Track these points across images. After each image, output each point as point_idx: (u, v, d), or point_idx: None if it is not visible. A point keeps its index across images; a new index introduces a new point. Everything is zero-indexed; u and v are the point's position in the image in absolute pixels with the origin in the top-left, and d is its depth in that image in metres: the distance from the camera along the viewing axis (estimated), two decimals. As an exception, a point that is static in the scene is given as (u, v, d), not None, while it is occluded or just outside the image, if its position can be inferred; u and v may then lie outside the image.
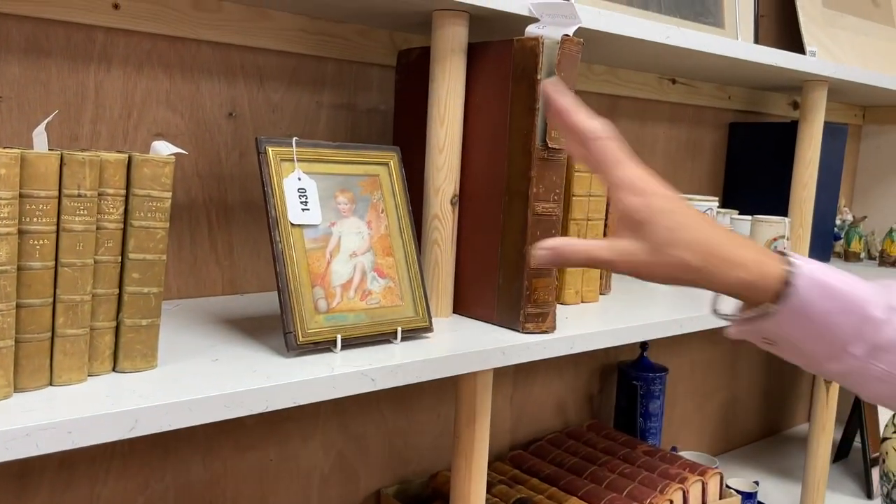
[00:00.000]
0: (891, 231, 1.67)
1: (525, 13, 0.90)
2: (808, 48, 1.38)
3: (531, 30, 0.89)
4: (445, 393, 1.28)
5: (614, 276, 1.34)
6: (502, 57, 0.90)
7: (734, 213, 1.45)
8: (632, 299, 1.16)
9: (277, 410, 1.05)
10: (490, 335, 0.88)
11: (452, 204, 0.93)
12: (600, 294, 1.17)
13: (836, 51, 1.69)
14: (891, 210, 1.99)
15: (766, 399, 1.94)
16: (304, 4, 0.94)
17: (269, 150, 0.76)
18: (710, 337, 1.75)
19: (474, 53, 0.93)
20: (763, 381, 1.92)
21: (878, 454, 1.63)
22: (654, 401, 1.45)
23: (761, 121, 1.77)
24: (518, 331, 0.89)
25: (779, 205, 1.55)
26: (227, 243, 1.01)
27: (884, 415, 1.74)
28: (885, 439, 1.48)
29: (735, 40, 1.24)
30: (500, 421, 1.38)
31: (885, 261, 1.67)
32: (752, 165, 1.68)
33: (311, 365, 0.72)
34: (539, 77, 0.85)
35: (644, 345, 1.49)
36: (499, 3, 0.88)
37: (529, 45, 0.86)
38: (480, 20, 0.94)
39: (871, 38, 1.79)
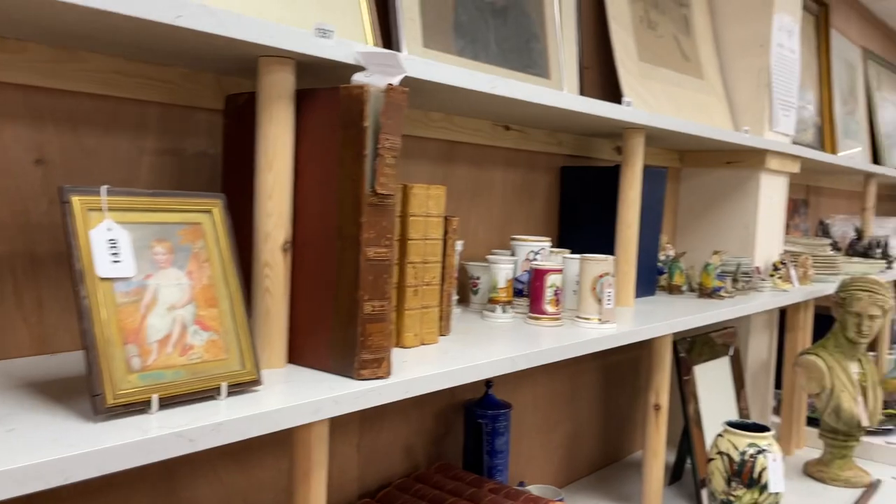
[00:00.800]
0: (706, 265, 1.81)
1: (352, 62, 0.91)
2: (624, 99, 1.49)
3: (358, 78, 0.90)
4: (286, 446, 1.24)
5: (454, 317, 1.36)
6: (330, 104, 0.90)
7: (566, 253, 1.52)
8: (471, 339, 1.18)
9: (97, 479, 0.97)
10: (323, 384, 0.86)
11: (284, 251, 0.91)
12: (440, 335, 1.18)
13: (651, 101, 1.84)
14: (707, 245, 2.17)
15: (605, 429, 2.03)
16: (119, 46, 0.90)
17: (74, 199, 0.71)
18: (551, 371, 1.81)
19: (303, 100, 0.93)
20: (602, 411, 2.01)
21: (705, 475, 1.74)
22: (499, 437, 1.48)
23: (590, 164, 1.88)
24: (352, 378, 0.88)
25: (609, 243, 1.64)
26: (36, 299, 0.93)
27: (710, 437, 1.87)
28: (710, 460, 1.58)
29: (557, 90, 1.32)
30: (346, 469, 1.35)
31: (703, 292, 1.81)
32: (583, 206, 1.78)
33: (122, 429, 0.67)
34: (366, 124, 0.86)
35: (488, 382, 1.52)
36: (325, 51, 0.89)
37: (355, 93, 0.87)
38: (310, 67, 0.94)
39: (682, 89, 1.97)
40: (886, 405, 2.45)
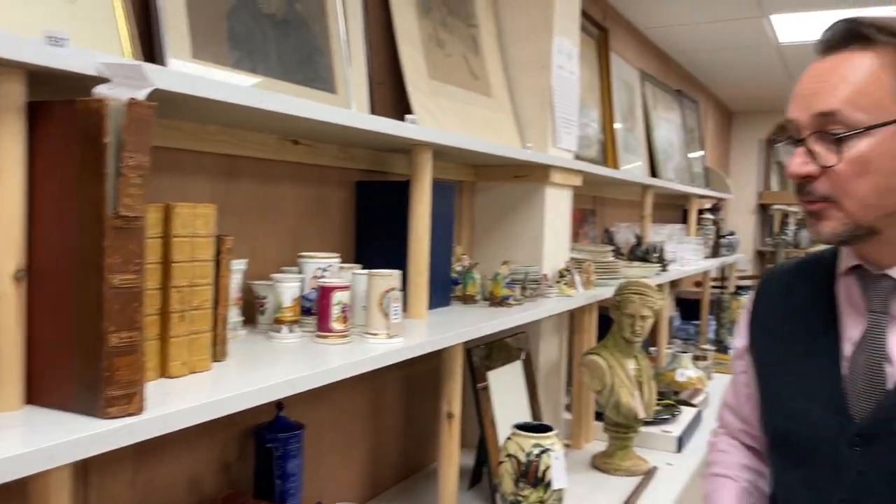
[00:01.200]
0: (496, 275, 1.89)
1: (93, 73, 0.84)
2: (409, 116, 1.52)
3: (100, 90, 0.83)
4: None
5: (238, 340, 1.30)
6: (67, 118, 0.82)
7: (357, 268, 1.51)
8: (251, 364, 1.14)
9: None
10: (63, 426, 0.78)
11: (16, 280, 0.82)
12: (216, 361, 1.12)
13: (441, 117, 1.89)
14: (502, 255, 2.26)
15: (408, 440, 2.05)
16: None
17: None
18: (351, 387, 1.80)
19: (37, 113, 0.84)
20: (405, 423, 2.03)
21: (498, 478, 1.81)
22: (291, 460, 1.44)
23: (386, 179, 1.89)
24: (99, 417, 0.81)
25: (405, 257, 1.66)
26: None
27: (502, 441, 1.95)
28: (500, 463, 1.65)
29: (342, 106, 1.32)
30: (120, 511, 1.24)
31: (493, 301, 1.88)
32: (379, 221, 1.78)
33: None
34: (106, 141, 0.80)
35: (279, 405, 1.47)
36: (59, 61, 0.81)
37: (94, 106, 0.80)
38: (50, 79, 0.85)
39: (472, 107, 2.05)
40: (663, 396, 2.70)
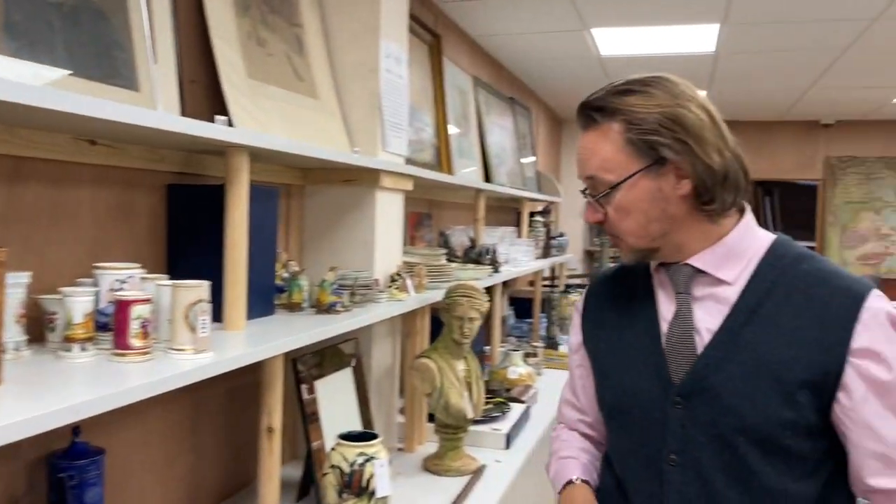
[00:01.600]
0: (322, 282, 1.85)
1: None
2: (219, 116, 1.44)
3: None
4: None
5: (21, 361, 1.18)
6: None
7: (162, 280, 1.42)
8: (29, 389, 1.03)
9: None
10: None
11: None
12: (-14, 388, 1.00)
13: (263, 119, 1.81)
14: (333, 261, 2.21)
15: (233, 455, 1.96)
16: None
17: None
18: (165, 404, 1.69)
19: None
20: (229, 437, 1.94)
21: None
22: (90, 489, 1.32)
23: (201, 182, 1.79)
24: None
25: (222, 266, 1.57)
26: None
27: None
28: (323, 475, 1.61)
29: (130, 105, 1.22)
30: None
31: (320, 308, 1.84)
32: (194, 228, 1.68)
33: None
34: None
35: (76, 429, 1.35)
36: None
37: None
38: None
39: (297, 108, 1.99)
40: (494, 394, 2.78)
